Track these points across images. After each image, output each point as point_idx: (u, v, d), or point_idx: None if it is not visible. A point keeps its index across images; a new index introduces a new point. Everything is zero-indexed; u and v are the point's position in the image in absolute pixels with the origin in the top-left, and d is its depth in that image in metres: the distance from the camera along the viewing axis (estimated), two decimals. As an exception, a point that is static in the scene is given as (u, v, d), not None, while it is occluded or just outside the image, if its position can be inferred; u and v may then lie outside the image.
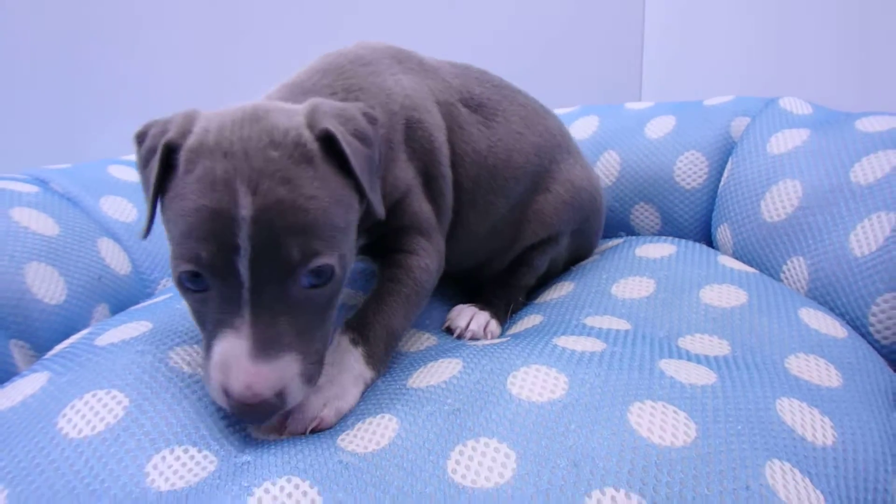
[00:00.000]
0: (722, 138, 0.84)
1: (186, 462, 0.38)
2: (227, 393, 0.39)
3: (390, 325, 0.52)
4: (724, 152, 0.84)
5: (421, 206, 0.57)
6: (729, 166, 0.81)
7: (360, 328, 0.51)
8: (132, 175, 0.85)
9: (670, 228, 0.87)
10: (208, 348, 0.41)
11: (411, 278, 0.55)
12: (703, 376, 0.45)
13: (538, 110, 0.73)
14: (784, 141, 0.75)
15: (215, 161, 0.41)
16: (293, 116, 0.44)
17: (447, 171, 0.60)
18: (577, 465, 0.36)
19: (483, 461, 0.37)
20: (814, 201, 0.67)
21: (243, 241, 0.39)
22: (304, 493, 0.35)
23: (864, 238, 0.59)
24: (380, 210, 0.47)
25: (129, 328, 0.51)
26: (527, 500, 0.34)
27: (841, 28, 1.01)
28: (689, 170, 0.84)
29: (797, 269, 0.66)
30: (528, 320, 0.63)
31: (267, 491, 0.35)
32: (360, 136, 0.46)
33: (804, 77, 1.13)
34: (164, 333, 0.49)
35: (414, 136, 0.57)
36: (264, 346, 0.39)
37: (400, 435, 0.40)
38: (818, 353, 0.51)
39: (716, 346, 0.53)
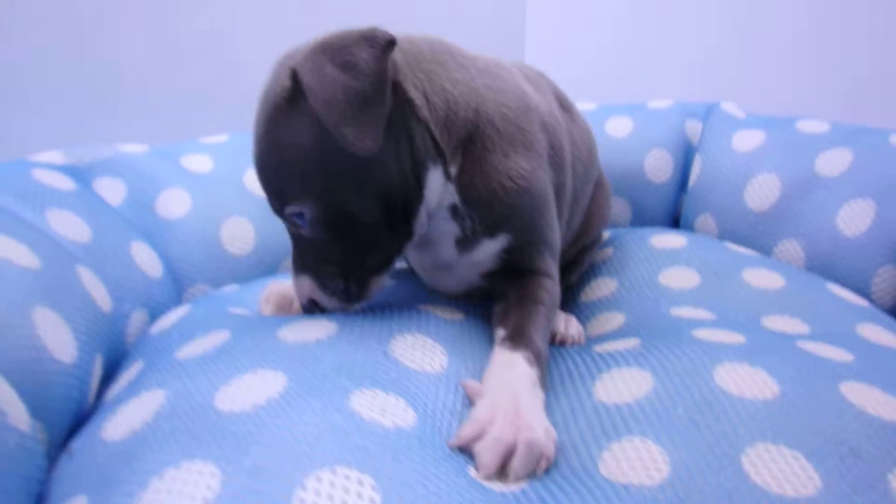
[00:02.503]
0: (680, 137, 0.93)
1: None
2: None
3: (547, 347, 0.50)
4: (683, 150, 0.93)
5: (556, 222, 0.54)
6: (699, 162, 0.89)
7: (533, 348, 0.46)
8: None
9: (640, 219, 0.94)
10: None
11: (552, 302, 0.54)
12: (840, 354, 0.50)
13: None
14: (745, 140, 0.86)
15: None
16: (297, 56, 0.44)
17: (569, 181, 0.57)
18: (856, 454, 0.37)
19: (781, 466, 0.36)
20: (793, 191, 0.77)
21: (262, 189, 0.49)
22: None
23: (852, 221, 0.71)
24: (357, 144, 0.41)
25: (257, 380, 0.39)
26: (844, 499, 0.34)
27: (710, 32, 1.18)
28: (658, 165, 0.92)
29: (791, 249, 0.76)
30: (609, 319, 0.63)
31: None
32: (347, 66, 0.42)
33: (673, 78, 1.30)
34: (316, 380, 0.39)
35: (549, 142, 0.53)
36: (296, 268, 0.51)
37: (672, 455, 0.37)
38: (871, 321, 0.60)
39: (796, 326, 0.59)
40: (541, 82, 0.61)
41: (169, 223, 0.73)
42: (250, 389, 0.38)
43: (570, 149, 0.58)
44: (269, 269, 0.78)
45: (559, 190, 0.55)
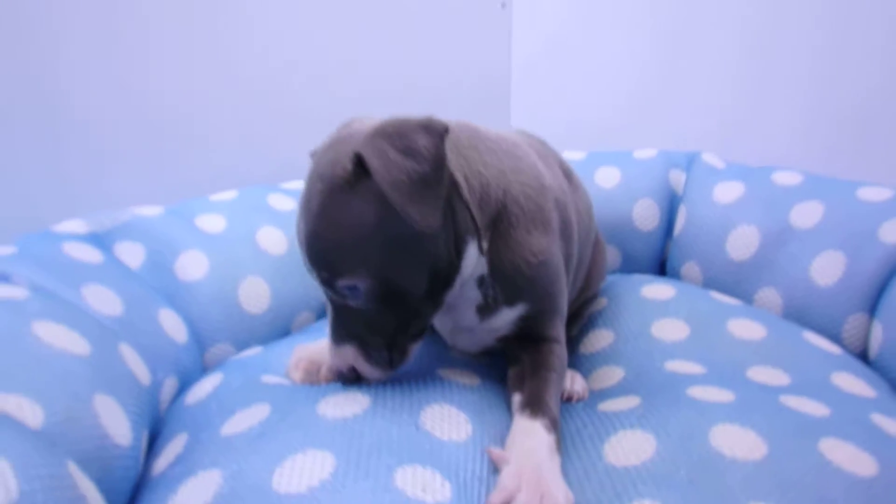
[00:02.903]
0: (665, 188, 1.00)
1: None
2: None
3: (559, 410, 0.55)
4: (668, 199, 1.00)
5: (566, 290, 0.59)
6: (683, 212, 0.96)
7: (550, 415, 0.51)
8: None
9: (629, 265, 1.00)
10: None
11: (562, 367, 0.59)
12: (817, 408, 0.56)
13: None
14: (726, 192, 0.92)
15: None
16: (357, 141, 0.48)
17: (575, 250, 0.62)
18: (835, 509, 0.43)
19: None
20: (770, 241, 0.84)
21: (307, 261, 0.52)
22: None
23: (824, 272, 0.77)
24: (421, 223, 0.46)
25: (308, 461, 0.43)
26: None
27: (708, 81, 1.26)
28: (645, 214, 0.98)
29: (770, 296, 0.82)
30: (609, 373, 0.68)
31: None
32: (409, 152, 0.46)
33: (660, 130, 1.37)
34: (361, 458, 0.43)
35: (560, 217, 0.59)
36: (336, 337, 0.53)
37: (679, 518, 0.42)
38: (843, 370, 0.66)
39: (778, 377, 0.65)
40: (548, 155, 0.66)
41: (188, 285, 0.77)
42: (303, 470, 0.42)
43: (575, 219, 0.64)
44: (284, 326, 0.82)
45: (567, 259, 0.61)
